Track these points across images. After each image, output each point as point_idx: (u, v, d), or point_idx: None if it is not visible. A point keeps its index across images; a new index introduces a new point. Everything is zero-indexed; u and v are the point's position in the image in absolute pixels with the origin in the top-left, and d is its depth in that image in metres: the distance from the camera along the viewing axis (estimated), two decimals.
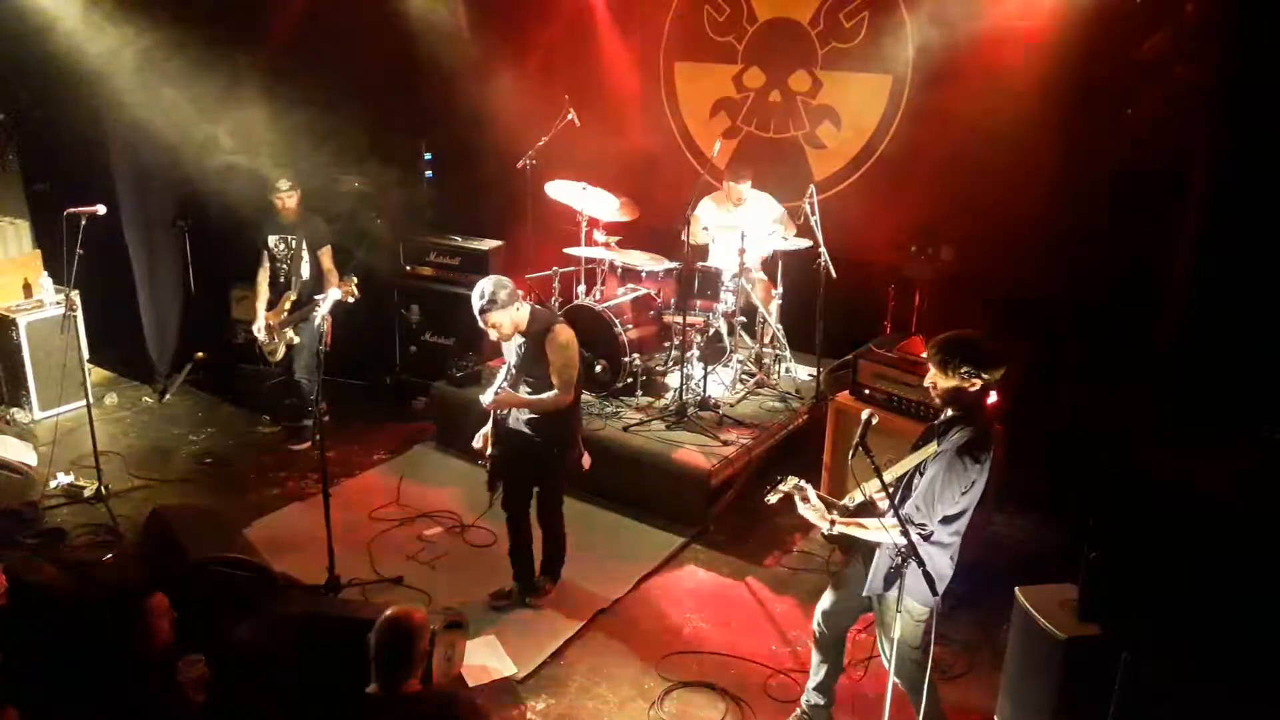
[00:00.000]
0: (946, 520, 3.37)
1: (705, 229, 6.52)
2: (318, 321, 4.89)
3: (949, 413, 3.45)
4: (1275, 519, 3.07)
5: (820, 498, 3.48)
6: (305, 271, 6.24)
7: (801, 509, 3.45)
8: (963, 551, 3.54)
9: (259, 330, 6.29)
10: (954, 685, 4.24)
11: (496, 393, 4.49)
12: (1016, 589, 3.87)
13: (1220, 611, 3.13)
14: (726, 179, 6.42)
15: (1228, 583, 3.12)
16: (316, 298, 5.51)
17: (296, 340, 6.24)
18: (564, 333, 4.39)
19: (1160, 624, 3.29)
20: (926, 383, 3.49)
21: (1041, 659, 3.66)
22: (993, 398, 4.96)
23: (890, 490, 3.29)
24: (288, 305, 6.21)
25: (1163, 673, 3.24)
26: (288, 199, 6.14)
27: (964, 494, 3.34)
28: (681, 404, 6.08)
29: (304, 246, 6.21)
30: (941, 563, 3.41)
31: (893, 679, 3.39)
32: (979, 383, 3.35)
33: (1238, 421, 3.94)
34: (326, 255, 6.27)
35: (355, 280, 5.08)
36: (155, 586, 3.91)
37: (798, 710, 4.04)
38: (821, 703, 3.98)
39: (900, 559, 3.28)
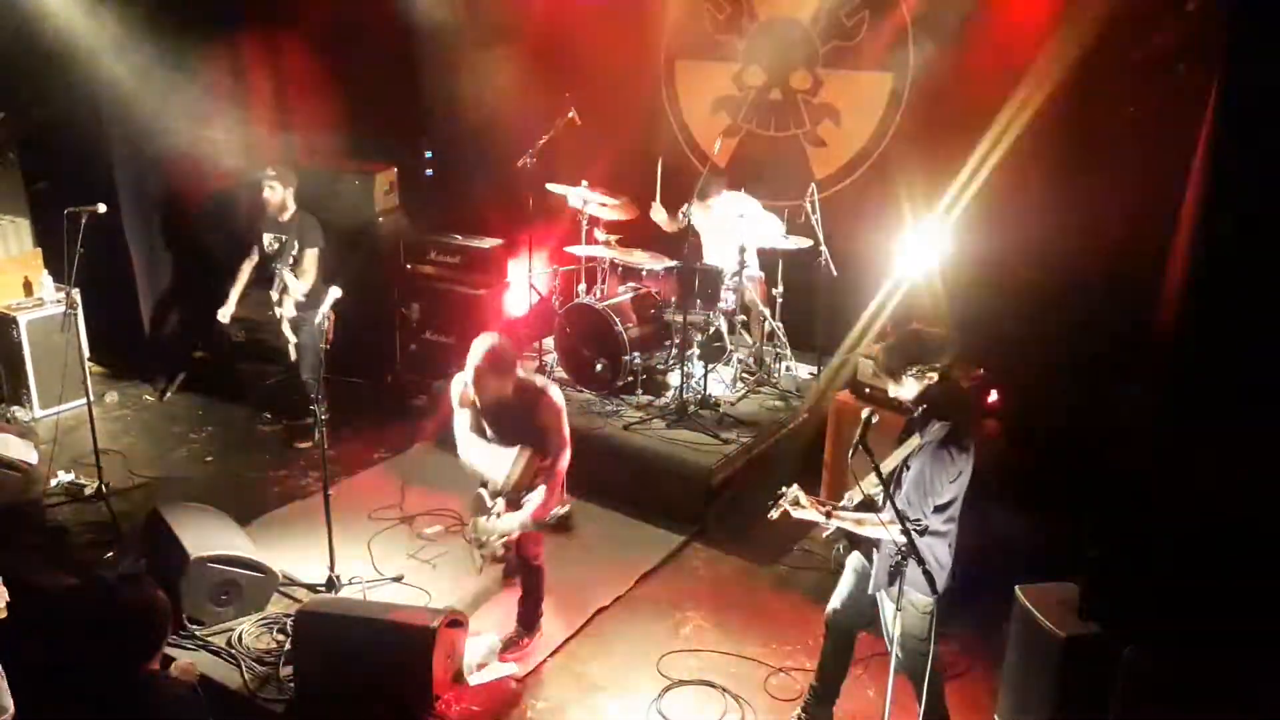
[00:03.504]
0: (938, 509, 3.39)
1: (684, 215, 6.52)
2: (319, 320, 4.88)
3: (925, 407, 3.46)
4: (1274, 518, 3.07)
5: (814, 499, 3.48)
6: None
7: (796, 514, 3.46)
8: (962, 550, 3.54)
9: (224, 316, 6.28)
10: (954, 684, 4.24)
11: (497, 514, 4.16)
12: (1016, 587, 3.87)
13: (1220, 610, 3.13)
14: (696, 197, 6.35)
15: (1227, 581, 3.12)
16: (304, 312, 5.53)
17: (294, 340, 6.18)
18: (558, 398, 4.21)
19: (1160, 624, 3.29)
20: (891, 394, 3.49)
21: (1041, 657, 3.66)
22: (992, 396, 5.00)
23: (887, 488, 3.30)
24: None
25: (1163, 672, 3.25)
26: (272, 195, 6.06)
27: (951, 483, 3.37)
28: (682, 402, 6.08)
29: (294, 246, 6.13)
30: (941, 552, 3.42)
31: (893, 677, 3.39)
32: (935, 375, 3.36)
33: (1237, 420, 3.93)
34: (310, 257, 6.18)
35: (338, 294, 4.86)
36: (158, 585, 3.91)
37: (799, 708, 4.04)
38: (825, 701, 3.97)
39: (900, 555, 3.29)
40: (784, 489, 3.50)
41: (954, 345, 3.42)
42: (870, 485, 3.46)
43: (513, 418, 4.18)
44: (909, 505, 3.36)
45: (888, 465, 3.48)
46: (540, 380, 4.32)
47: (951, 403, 3.43)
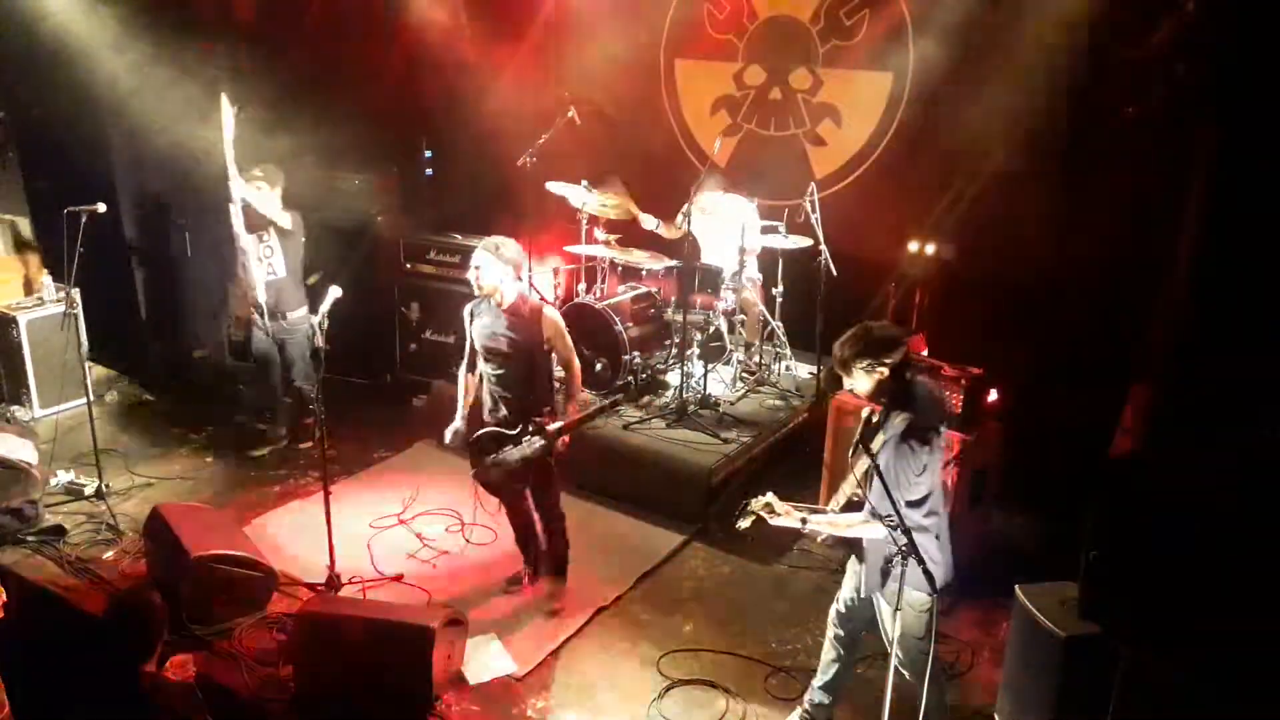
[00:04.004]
0: (914, 504, 3.39)
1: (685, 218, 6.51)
2: (318, 319, 4.80)
3: (884, 402, 3.49)
4: (1274, 517, 3.07)
5: (789, 505, 3.49)
6: (281, 269, 5.97)
7: (773, 522, 3.47)
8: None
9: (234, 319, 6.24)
10: (954, 684, 4.24)
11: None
12: (1017, 587, 3.87)
13: (1220, 610, 3.13)
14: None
15: (1227, 581, 3.12)
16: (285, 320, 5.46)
17: (264, 350, 6.05)
18: (554, 311, 4.61)
19: (1160, 624, 3.28)
20: (846, 388, 3.52)
21: (1041, 657, 3.66)
22: (993, 396, 4.99)
23: (888, 490, 3.30)
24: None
25: (1163, 672, 3.25)
26: (259, 195, 5.78)
27: (919, 476, 3.38)
28: (682, 402, 6.08)
29: (277, 243, 5.93)
30: (929, 547, 3.43)
31: (893, 677, 3.39)
32: (885, 370, 3.41)
33: (1237, 419, 3.93)
34: (270, 212, 5.86)
35: (339, 294, 4.77)
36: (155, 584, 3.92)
37: (800, 708, 4.04)
38: (826, 701, 3.97)
39: (899, 554, 3.30)
40: (752, 499, 3.52)
41: (904, 344, 3.47)
42: (852, 487, 3.49)
43: (517, 326, 4.44)
44: (880, 503, 3.37)
45: (861, 466, 3.51)
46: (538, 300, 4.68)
47: (908, 397, 3.46)
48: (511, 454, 4.47)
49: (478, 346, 4.56)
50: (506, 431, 4.49)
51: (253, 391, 6.63)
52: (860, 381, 3.46)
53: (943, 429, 3.51)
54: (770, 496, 3.48)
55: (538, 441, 4.43)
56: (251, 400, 6.64)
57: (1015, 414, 5.08)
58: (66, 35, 6.22)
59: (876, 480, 3.36)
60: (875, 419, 3.39)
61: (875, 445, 3.43)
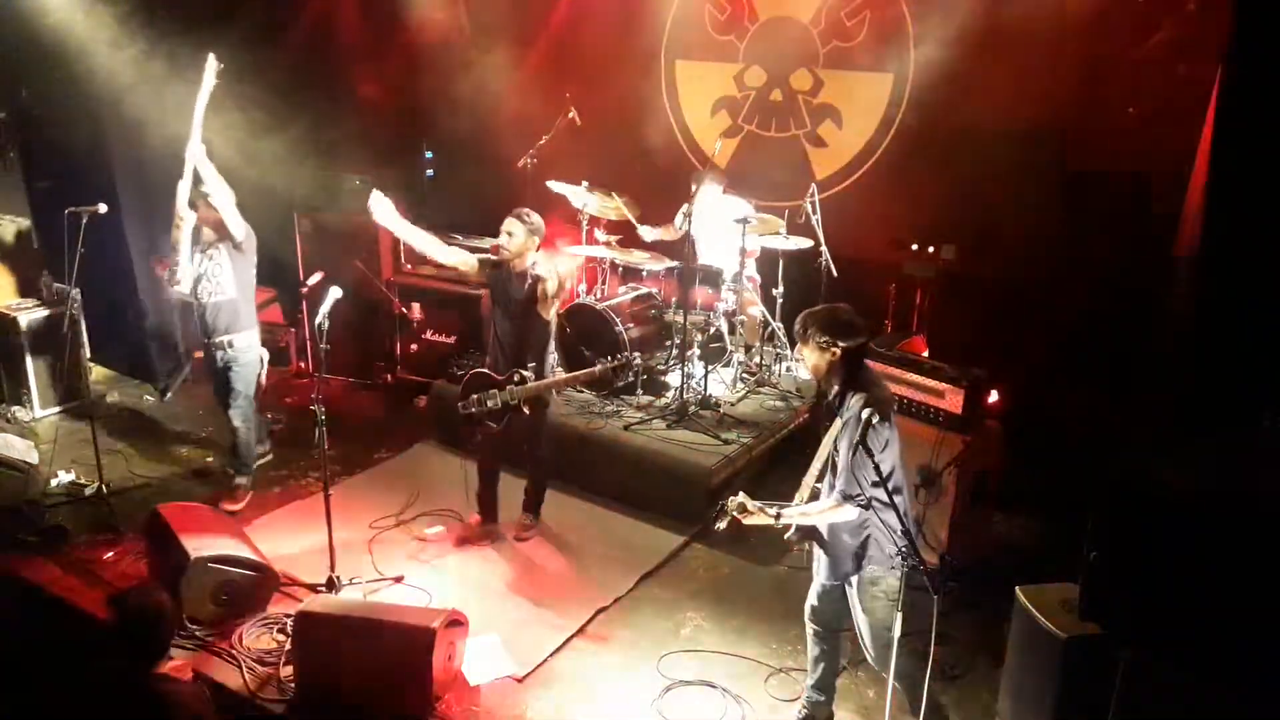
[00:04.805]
0: (878, 483, 3.40)
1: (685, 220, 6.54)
2: (318, 320, 4.70)
3: (836, 387, 3.56)
4: (1275, 517, 3.07)
5: (760, 503, 3.52)
6: (231, 288, 5.39)
7: (748, 521, 3.50)
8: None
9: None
10: (954, 685, 4.24)
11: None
12: (1017, 588, 3.87)
13: (1220, 611, 3.13)
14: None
15: (1228, 581, 3.12)
16: (234, 349, 5.36)
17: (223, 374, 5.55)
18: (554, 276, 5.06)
19: (1160, 624, 3.28)
20: (794, 358, 3.58)
21: (1042, 658, 3.66)
22: (993, 396, 5.00)
23: (889, 478, 3.34)
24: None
25: (1163, 673, 3.24)
26: (209, 212, 5.24)
27: (883, 452, 3.42)
28: (682, 403, 6.08)
29: (226, 258, 5.37)
30: (894, 523, 3.43)
31: (893, 675, 3.39)
32: (839, 350, 3.49)
33: (1238, 419, 3.94)
34: (223, 213, 5.26)
35: (339, 294, 4.58)
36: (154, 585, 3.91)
37: (799, 708, 4.04)
38: (822, 699, 3.98)
39: (862, 539, 3.40)
40: (726, 501, 3.53)
41: (864, 334, 3.56)
42: (811, 478, 3.55)
43: (521, 295, 4.91)
44: (849, 484, 3.40)
45: (822, 454, 3.55)
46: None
47: (859, 378, 3.54)
48: (491, 395, 4.89)
49: (493, 299, 5.08)
50: (494, 375, 4.94)
51: None
52: (811, 355, 3.56)
53: (893, 410, 3.60)
54: (742, 496, 3.50)
55: (517, 390, 4.84)
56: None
57: (1016, 414, 5.08)
58: (67, 34, 6.23)
59: (844, 463, 3.40)
60: (876, 420, 3.39)
61: (835, 427, 3.49)
